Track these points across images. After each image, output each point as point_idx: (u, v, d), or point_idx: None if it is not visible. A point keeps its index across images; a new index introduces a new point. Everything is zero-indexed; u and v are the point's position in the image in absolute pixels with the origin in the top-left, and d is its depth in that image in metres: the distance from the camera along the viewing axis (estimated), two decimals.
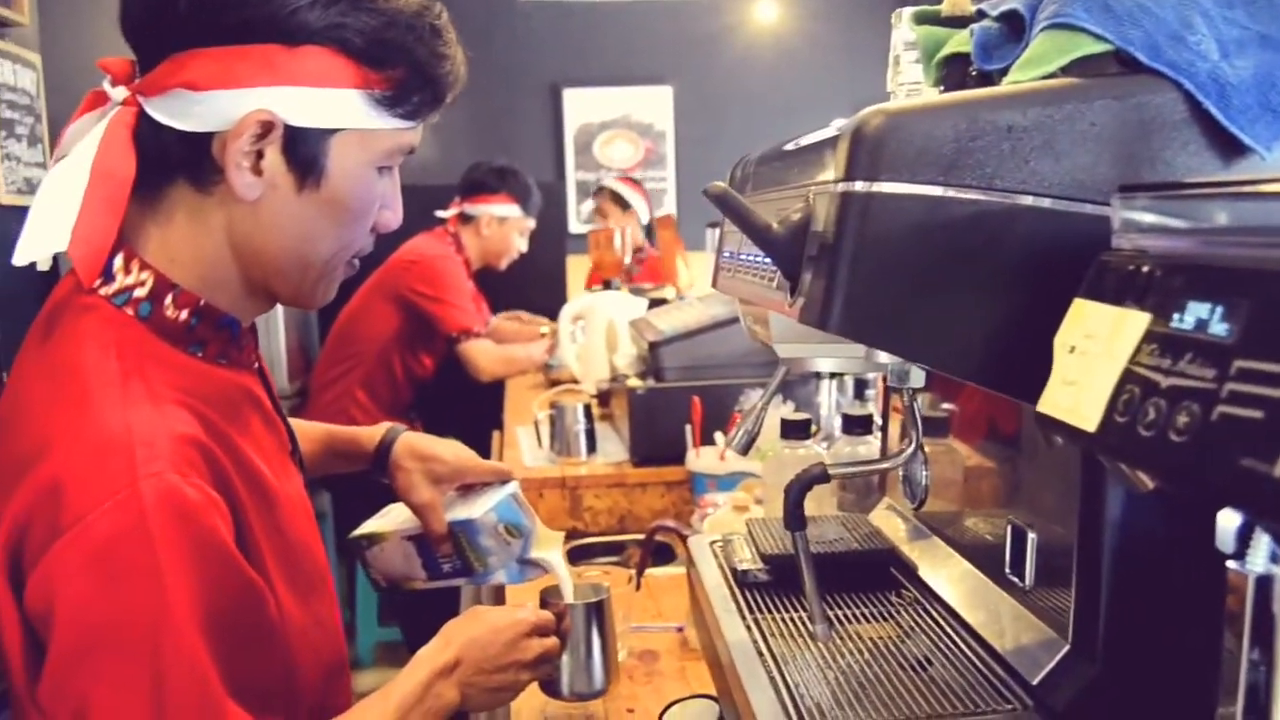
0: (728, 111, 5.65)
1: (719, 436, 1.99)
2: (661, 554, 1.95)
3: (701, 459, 1.97)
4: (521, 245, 3.66)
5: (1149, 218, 0.69)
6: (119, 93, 0.96)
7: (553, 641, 1.19)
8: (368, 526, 1.41)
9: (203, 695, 0.85)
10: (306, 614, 1.02)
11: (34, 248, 0.93)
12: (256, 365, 1.10)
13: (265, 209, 0.97)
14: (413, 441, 1.36)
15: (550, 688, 1.30)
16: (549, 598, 1.31)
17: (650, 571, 1.75)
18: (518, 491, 1.39)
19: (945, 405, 1.16)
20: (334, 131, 0.97)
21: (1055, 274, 0.75)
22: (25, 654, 0.88)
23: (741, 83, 5.67)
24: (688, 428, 2.01)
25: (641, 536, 2.01)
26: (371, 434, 1.38)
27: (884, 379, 1.89)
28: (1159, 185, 0.70)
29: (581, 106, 5.66)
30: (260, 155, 0.95)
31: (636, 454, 2.22)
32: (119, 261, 0.96)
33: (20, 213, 2.86)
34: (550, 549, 1.37)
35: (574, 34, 5.58)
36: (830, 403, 1.91)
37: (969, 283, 0.77)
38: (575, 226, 5.56)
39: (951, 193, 0.76)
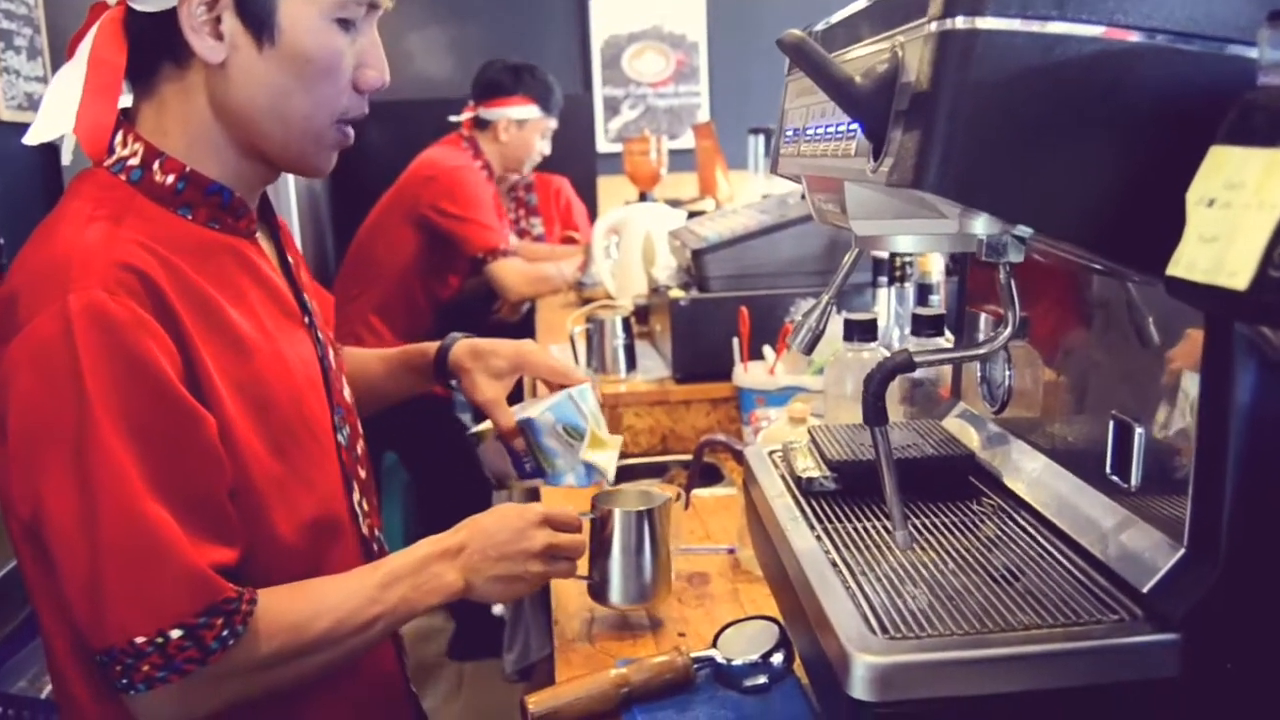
0: (765, 23, 5.48)
1: (768, 350, 1.93)
2: (707, 475, 1.91)
3: (749, 374, 1.91)
4: (544, 148, 3.51)
5: None
6: None
7: (569, 537, 1.23)
8: (481, 425, 1.51)
9: (123, 490, 0.96)
10: (284, 465, 1.11)
11: (43, 130, 1.10)
12: (258, 235, 1.20)
13: (234, 70, 1.09)
14: (472, 342, 1.50)
15: (595, 593, 1.31)
16: (599, 502, 1.31)
17: (696, 492, 1.71)
18: (583, 391, 1.44)
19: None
20: None
21: (1186, 121, 0.70)
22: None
23: None
24: (735, 340, 1.94)
25: (685, 457, 1.97)
26: (433, 344, 1.52)
27: (947, 274, 1.83)
28: None
29: (609, 16, 5.52)
30: (219, 20, 1.07)
31: (679, 369, 2.16)
32: (119, 138, 1.10)
33: (21, 129, 2.84)
34: (605, 452, 1.40)
35: None
36: (890, 311, 1.84)
37: (1085, 133, 0.71)
38: (604, 145, 5.46)
39: (1068, 28, 0.69)
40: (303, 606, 1.08)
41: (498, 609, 2.88)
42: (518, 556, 1.19)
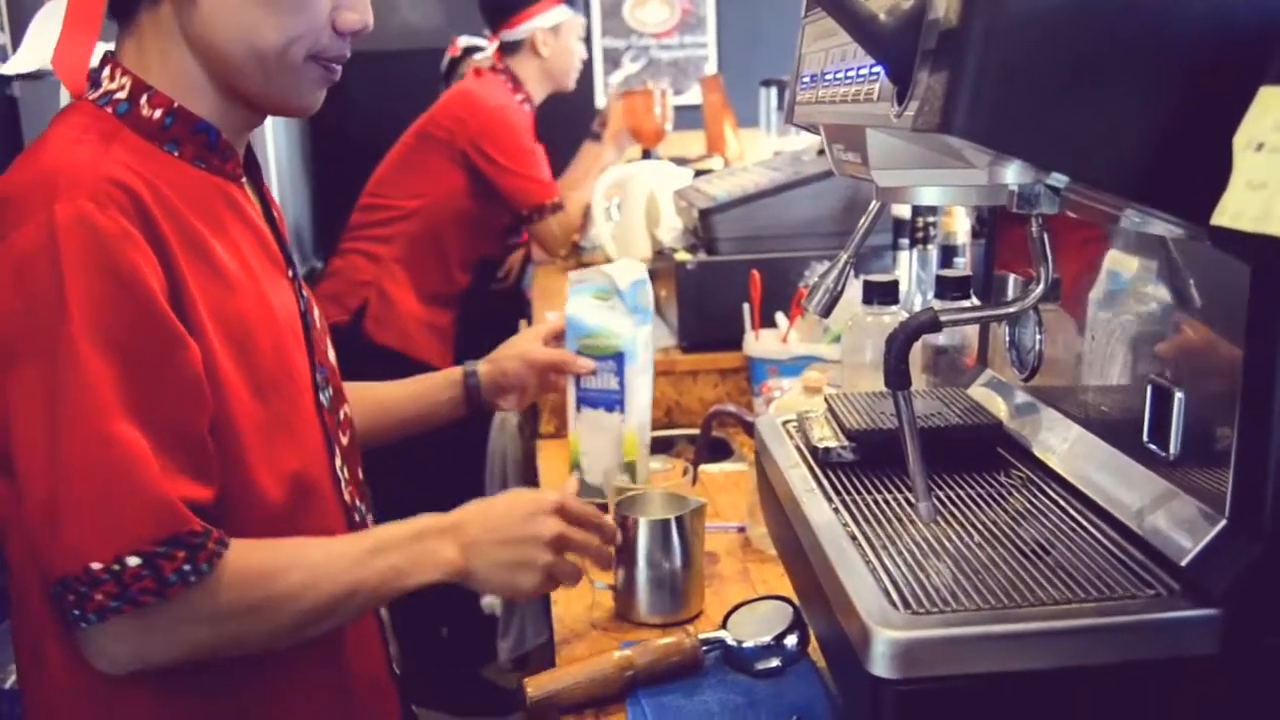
0: None
1: (781, 317, 1.93)
2: (716, 449, 1.92)
3: (761, 342, 1.92)
4: (582, 52, 3.32)
5: None
6: None
7: (583, 533, 1.23)
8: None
9: (92, 405, 0.98)
10: (266, 410, 1.13)
11: (23, 62, 1.16)
12: (246, 183, 1.24)
13: (205, 3, 1.10)
14: (485, 363, 1.64)
15: (621, 605, 1.32)
16: (622, 507, 1.32)
17: (704, 468, 1.72)
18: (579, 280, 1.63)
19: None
20: None
21: (1234, 59, 0.70)
22: None
23: None
24: (745, 307, 1.95)
25: (692, 431, 1.97)
26: (456, 372, 1.64)
27: (973, 236, 1.84)
28: None
29: None
30: None
31: (685, 338, 2.16)
32: (106, 72, 1.14)
33: None
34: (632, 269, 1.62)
35: None
36: (911, 274, 1.84)
37: (1126, 72, 0.72)
38: (603, 101, 5.43)
39: None
40: (278, 558, 1.09)
41: (486, 601, 2.88)
42: (526, 541, 1.18)
